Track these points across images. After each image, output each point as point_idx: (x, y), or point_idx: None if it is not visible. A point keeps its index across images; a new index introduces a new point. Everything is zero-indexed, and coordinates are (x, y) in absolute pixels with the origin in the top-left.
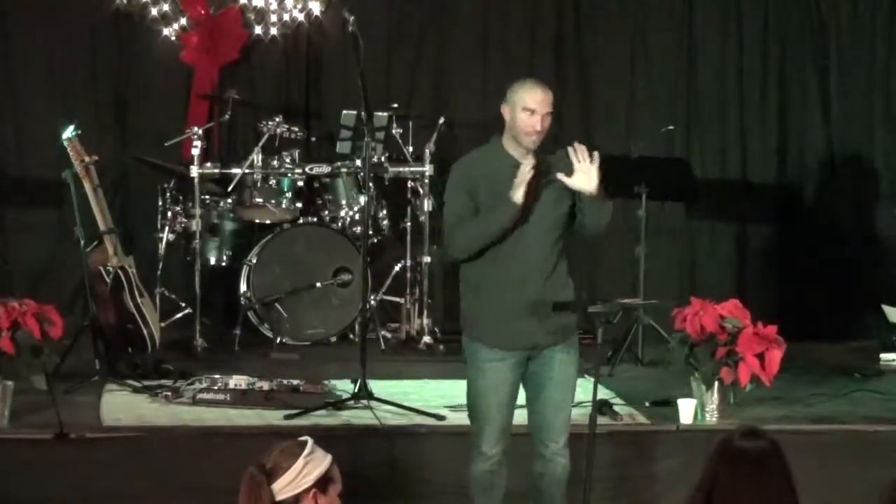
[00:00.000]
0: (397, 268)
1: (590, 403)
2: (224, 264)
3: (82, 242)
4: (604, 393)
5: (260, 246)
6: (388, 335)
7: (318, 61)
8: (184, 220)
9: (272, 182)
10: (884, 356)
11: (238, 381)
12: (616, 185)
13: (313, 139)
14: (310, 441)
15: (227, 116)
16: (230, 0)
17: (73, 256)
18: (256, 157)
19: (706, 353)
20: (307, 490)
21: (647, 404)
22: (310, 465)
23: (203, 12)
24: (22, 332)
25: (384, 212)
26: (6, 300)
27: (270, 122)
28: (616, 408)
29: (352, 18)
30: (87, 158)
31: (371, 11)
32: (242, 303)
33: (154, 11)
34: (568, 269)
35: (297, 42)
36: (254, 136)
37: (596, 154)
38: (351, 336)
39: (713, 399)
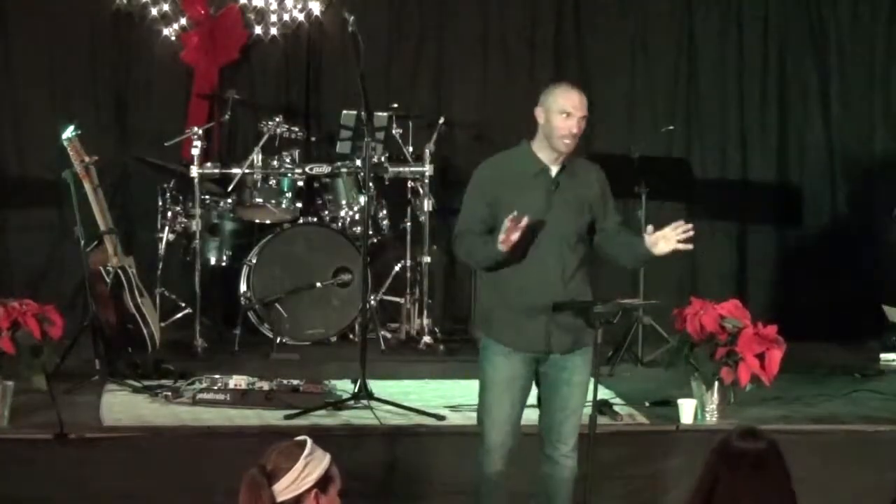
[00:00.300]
0: (397, 268)
1: (590, 403)
2: (224, 264)
3: (82, 242)
4: (604, 393)
5: (260, 246)
6: (388, 335)
7: (318, 61)
8: (184, 220)
9: (272, 182)
10: (884, 356)
11: (238, 381)
12: (616, 185)
13: (313, 139)
14: (309, 441)
15: (227, 116)
16: (230, 0)
17: (73, 256)
18: (256, 157)
19: (706, 353)
20: (308, 490)
21: (647, 404)
22: (310, 466)
23: (203, 12)
24: (22, 332)
25: (384, 212)
26: (6, 300)
27: (270, 122)
28: (616, 408)
29: (352, 18)
30: (87, 158)
31: (371, 11)
32: (242, 303)
33: (154, 11)
34: (588, 274)
35: (297, 42)
36: (254, 136)
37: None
38: (351, 336)
39: (713, 399)
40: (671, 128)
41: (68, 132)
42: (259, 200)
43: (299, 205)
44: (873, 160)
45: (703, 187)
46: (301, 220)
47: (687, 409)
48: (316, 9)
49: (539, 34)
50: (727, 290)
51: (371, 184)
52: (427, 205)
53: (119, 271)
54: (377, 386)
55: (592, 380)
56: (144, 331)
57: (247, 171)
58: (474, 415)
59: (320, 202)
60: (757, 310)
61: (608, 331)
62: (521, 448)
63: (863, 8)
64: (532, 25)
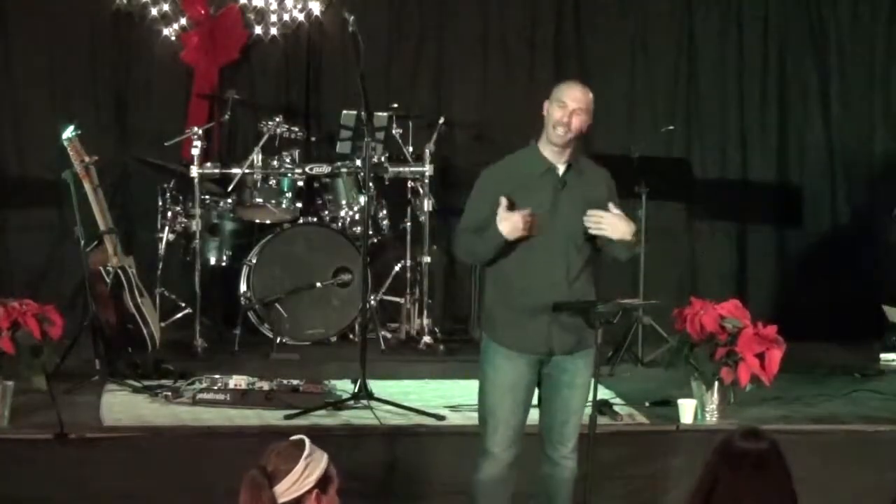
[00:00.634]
0: (397, 268)
1: (590, 403)
2: (224, 264)
3: (82, 242)
4: (604, 393)
5: (260, 246)
6: (388, 335)
7: (318, 61)
8: (184, 220)
9: (272, 182)
10: (884, 356)
11: (238, 381)
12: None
13: (313, 139)
14: (307, 441)
15: (227, 116)
16: (230, 0)
17: (73, 256)
18: (256, 157)
19: (706, 353)
20: (309, 491)
21: (647, 404)
22: (310, 467)
23: (203, 12)
24: (22, 332)
25: (384, 212)
26: (6, 300)
27: (270, 122)
28: (616, 408)
29: (352, 18)
30: (87, 158)
31: (371, 11)
32: (242, 303)
33: (154, 11)
34: (592, 275)
35: (297, 42)
36: (254, 136)
37: (610, 209)
38: (351, 336)
39: (713, 399)
40: (671, 128)
41: (68, 132)
42: (259, 200)
43: (299, 205)
44: (873, 160)
45: (703, 187)
46: (301, 220)
47: (687, 409)
48: (316, 9)
49: (539, 34)
50: (727, 290)
51: (371, 184)
52: (427, 205)
53: (119, 271)
54: (377, 386)
55: (592, 380)
56: (144, 331)
57: (247, 171)
58: (474, 415)
59: (320, 202)
60: (757, 310)
61: (608, 331)
62: (522, 449)
63: (863, 8)
64: (532, 25)
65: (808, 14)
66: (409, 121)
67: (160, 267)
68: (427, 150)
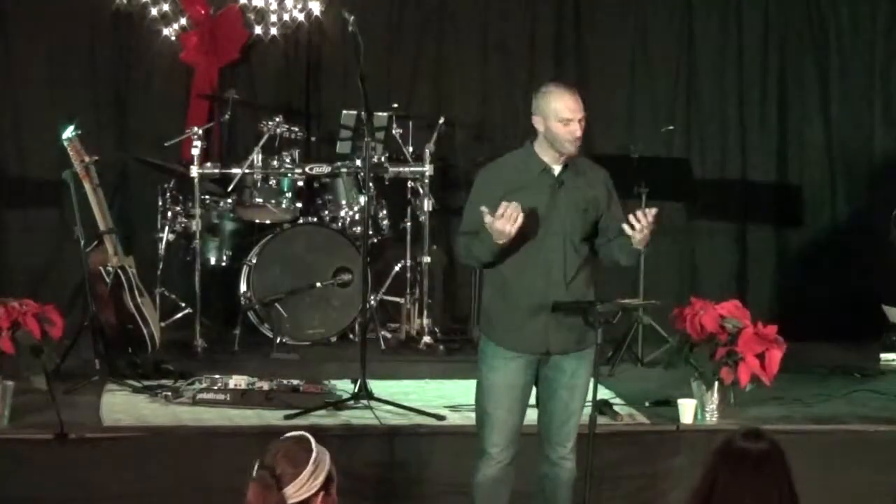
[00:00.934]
0: (397, 268)
1: (590, 403)
2: (224, 264)
3: (82, 242)
4: (604, 393)
5: (260, 246)
6: (388, 335)
7: (318, 61)
8: (184, 220)
9: (272, 182)
10: (884, 356)
11: (238, 381)
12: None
13: (313, 139)
14: (313, 441)
15: (227, 116)
16: (230, 0)
17: (73, 256)
18: (256, 157)
19: (706, 353)
20: (316, 493)
21: (647, 404)
22: (318, 469)
23: (203, 12)
24: (22, 332)
25: (384, 212)
26: (6, 300)
27: (270, 122)
28: (616, 408)
29: (352, 18)
30: (87, 158)
31: (371, 11)
32: (242, 303)
33: (154, 11)
34: (592, 275)
35: (297, 42)
36: (254, 136)
37: (654, 210)
38: (351, 336)
39: (713, 399)
40: (671, 128)
41: (68, 132)
42: (259, 200)
43: (299, 205)
44: (873, 160)
45: (703, 187)
46: (301, 220)
47: (687, 409)
48: (316, 9)
49: (539, 34)
50: (727, 290)
51: (371, 184)
52: (427, 205)
53: (119, 271)
54: (377, 386)
55: (592, 380)
56: (144, 331)
57: (247, 171)
58: (474, 415)
59: (320, 202)
60: (757, 310)
61: (608, 331)
62: (520, 449)
63: (863, 8)
64: (532, 25)
65: (808, 14)
66: (409, 121)
67: (160, 267)
68: (427, 150)
